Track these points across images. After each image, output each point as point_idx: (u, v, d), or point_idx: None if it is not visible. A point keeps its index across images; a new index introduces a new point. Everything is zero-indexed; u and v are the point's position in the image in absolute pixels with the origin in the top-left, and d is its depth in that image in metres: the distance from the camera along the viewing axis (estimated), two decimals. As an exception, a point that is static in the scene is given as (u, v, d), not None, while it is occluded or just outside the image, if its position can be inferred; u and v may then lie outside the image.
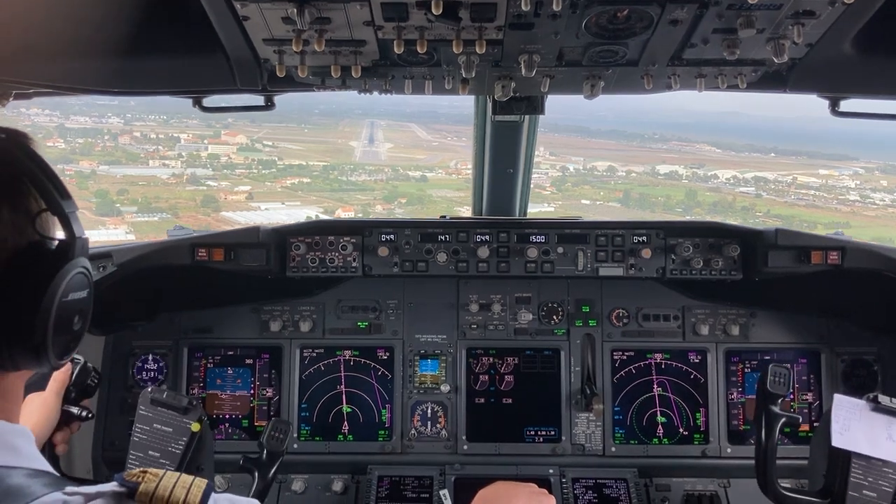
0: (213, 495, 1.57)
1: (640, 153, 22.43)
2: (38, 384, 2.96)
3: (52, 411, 3.00)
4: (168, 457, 3.40)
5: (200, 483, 1.56)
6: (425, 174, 20.68)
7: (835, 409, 3.31)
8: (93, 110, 19.28)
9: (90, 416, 3.18)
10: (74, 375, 3.14)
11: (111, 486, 1.51)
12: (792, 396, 4.53)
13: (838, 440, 3.23)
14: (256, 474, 3.58)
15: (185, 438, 3.43)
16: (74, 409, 3.13)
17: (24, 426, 1.68)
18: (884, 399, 3.28)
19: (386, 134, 23.05)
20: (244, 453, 3.82)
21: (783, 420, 3.41)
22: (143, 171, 19.26)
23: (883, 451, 3.21)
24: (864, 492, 3.17)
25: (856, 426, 3.25)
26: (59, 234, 1.69)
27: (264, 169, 20.83)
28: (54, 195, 1.66)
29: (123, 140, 19.86)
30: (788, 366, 3.49)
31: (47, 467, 1.62)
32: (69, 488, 1.49)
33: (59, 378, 3.06)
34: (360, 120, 22.69)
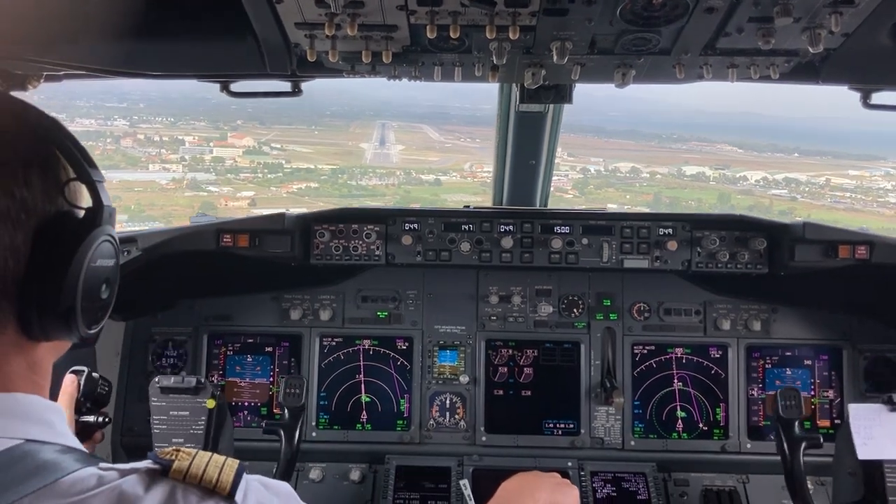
0: (245, 475, 1.57)
1: (661, 154, 21.94)
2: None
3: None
4: (192, 439, 3.43)
5: (233, 463, 1.56)
6: (439, 178, 20.01)
7: (853, 421, 3.26)
8: (99, 112, 18.97)
9: (108, 420, 3.17)
10: (82, 386, 3.11)
11: (145, 464, 1.52)
12: (813, 393, 4.50)
13: (864, 452, 3.18)
14: (282, 435, 3.61)
15: (203, 418, 3.47)
16: (90, 418, 3.12)
17: (56, 403, 1.68)
18: None
19: (397, 135, 22.58)
20: (262, 440, 3.85)
21: (805, 443, 3.39)
22: (142, 175, 18.72)
23: None
24: None
25: (878, 433, 3.21)
26: (87, 203, 1.69)
27: (270, 173, 20.20)
28: (83, 164, 1.67)
29: (126, 143, 19.43)
30: (797, 386, 3.48)
31: (79, 445, 1.63)
32: (103, 464, 1.50)
33: (67, 391, 3.04)
34: (372, 121, 22.22)
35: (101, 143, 18.62)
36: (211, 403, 3.50)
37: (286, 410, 3.72)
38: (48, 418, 1.60)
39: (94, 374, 3.19)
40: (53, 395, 2.91)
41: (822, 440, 3.40)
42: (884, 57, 2.63)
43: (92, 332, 1.71)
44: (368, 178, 20.44)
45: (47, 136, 1.65)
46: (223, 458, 1.57)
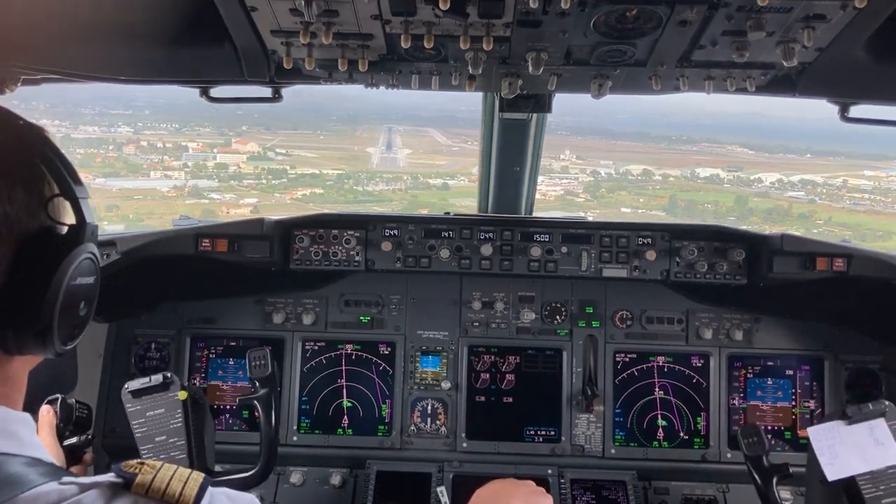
0: (210, 489, 1.57)
1: (671, 155, 21.66)
2: None
3: (53, 453, 2.99)
4: (174, 434, 3.42)
5: (197, 476, 1.56)
6: (447, 182, 19.57)
7: (815, 443, 3.25)
8: (104, 119, 18.74)
9: (92, 438, 3.18)
10: (59, 413, 3.10)
11: (107, 477, 1.51)
12: (794, 403, 4.51)
13: (832, 472, 3.17)
14: (259, 406, 3.58)
15: (179, 410, 3.45)
16: (74, 440, 3.12)
17: (26, 413, 1.68)
18: (851, 409, 3.25)
19: (404, 139, 22.32)
20: (244, 443, 3.83)
21: (776, 477, 3.40)
22: (143, 183, 18.35)
23: (878, 459, 3.17)
24: (884, 501, 3.12)
25: (842, 450, 3.20)
26: (70, 219, 1.69)
27: (274, 179, 19.82)
28: (68, 180, 1.66)
29: (128, 150, 19.09)
30: (755, 423, 3.49)
31: (47, 457, 1.62)
32: (65, 478, 1.49)
33: (45, 421, 3.03)
34: (378, 125, 21.99)
35: (103, 151, 18.53)
36: (183, 395, 3.48)
37: (256, 383, 3.66)
38: (15, 430, 1.60)
39: (70, 401, 3.19)
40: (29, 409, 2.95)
41: (790, 469, 3.40)
42: (859, 71, 2.64)
43: (67, 348, 1.71)
44: (375, 184, 20.17)
45: (33, 151, 1.65)
46: (188, 471, 1.57)
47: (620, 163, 20.19)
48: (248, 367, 3.64)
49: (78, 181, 1.69)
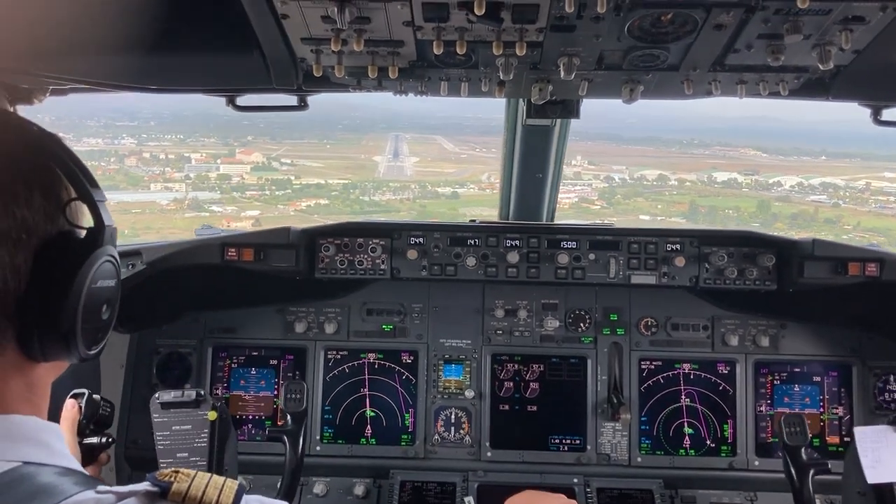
0: (245, 496, 1.55)
1: (684, 160, 21.21)
2: None
3: (71, 451, 2.97)
4: (197, 453, 3.41)
5: (232, 484, 1.54)
6: (456, 190, 18.81)
7: (859, 444, 3.21)
8: (108, 131, 18.44)
9: (112, 440, 3.14)
10: (83, 409, 3.06)
11: (143, 486, 1.50)
12: (822, 410, 4.46)
13: (873, 476, 3.13)
14: (287, 441, 3.59)
15: (206, 430, 3.44)
16: (94, 440, 3.07)
17: (54, 423, 1.67)
18: None
19: (411, 147, 21.82)
20: (266, 454, 3.82)
21: (812, 470, 3.34)
22: (143, 196, 17.84)
23: None
24: None
25: (886, 455, 3.16)
26: (88, 223, 1.68)
27: (278, 190, 19.15)
28: (84, 184, 1.66)
29: (130, 162, 18.64)
30: (806, 402, 3.43)
31: (78, 466, 1.62)
32: (101, 487, 1.48)
33: (68, 416, 3.01)
34: (385, 134, 21.55)
35: (105, 163, 18.09)
36: (213, 415, 3.48)
37: (288, 416, 3.70)
38: (46, 439, 1.59)
39: (95, 396, 3.15)
40: (55, 416, 2.92)
41: (829, 465, 3.35)
42: (894, 74, 2.60)
43: (92, 353, 1.70)
44: (382, 193, 19.55)
45: (49, 156, 1.64)
46: (222, 479, 1.55)
47: (634, 168, 19.71)
48: (283, 398, 3.68)
49: (94, 184, 1.69)
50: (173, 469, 1.54)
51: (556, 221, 5.02)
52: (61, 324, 1.57)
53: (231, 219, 17.17)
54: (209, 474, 1.55)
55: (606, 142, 20.27)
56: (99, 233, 1.67)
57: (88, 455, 3.05)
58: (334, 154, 21.58)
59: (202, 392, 3.50)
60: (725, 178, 19.33)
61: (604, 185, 18.35)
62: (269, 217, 17.39)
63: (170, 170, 18.98)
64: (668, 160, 20.74)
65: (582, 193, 17.41)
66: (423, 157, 22.18)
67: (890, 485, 3.11)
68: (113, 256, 1.73)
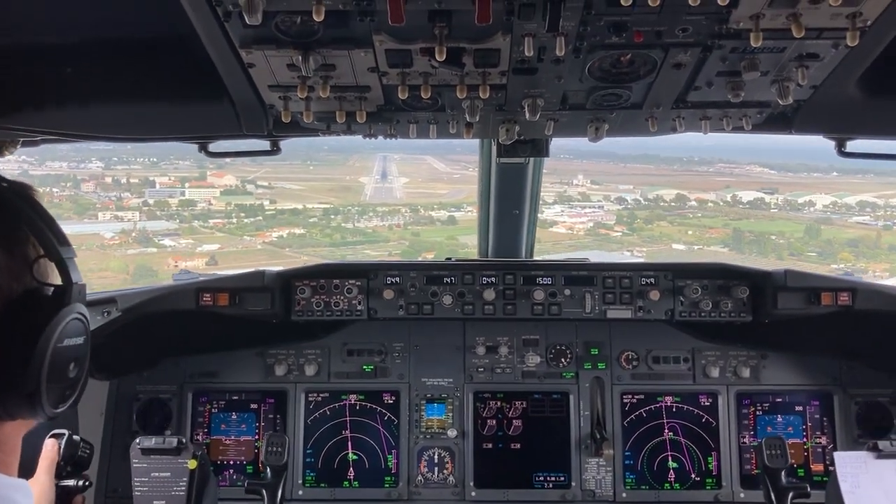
0: None
1: (691, 178, 20.23)
2: (25, 469, 2.93)
3: (46, 492, 2.92)
4: (174, 501, 3.38)
5: None
6: (453, 214, 17.24)
7: (839, 469, 3.23)
8: (77, 154, 16.98)
9: (89, 483, 3.11)
10: (62, 450, 3.05)
11: None
12: (805, 439, 4.46)
13: (852, 500, 3.14)
14: (265, 494, 3.56)
15: (184, 479, 3.42)
16: (70, 482, 3.05)
17: (22, 480, 1.65)
18: (884, 445, 3.22)
19: (400, 168, 20.68)
20: (247, 500, 3.79)
21: (791, 494, 3.34)
22: (86, 227, 16.17)
23: None
24: None
25: (865, 481, 3.17)
26: (56, 280, 1.67)
27: (247, 217, 17.23)
28: (52, 242, 1.65)
29: (87, 187, 17.20)
30: (789, 432, 3.45)
31: None
32: None
33: (48, 457, 2.99)
34: (372, 154, 20.38)
35: (58, 189, 16.61)
36: (192, 464, 3.45)
37: (268, 469, 3.67)
38: (10, 496, 1.57)
39: (75, 437, 3.13)
40: (33, 460, 2.88)
41: (808, 489, 3.35)
42: (853, 107, 2.66)
43: (58, 410, 1.68)
44: (368, 219, 17.96)
45: (15, 212, 1.64)
46: None
47: (646, 188, 18.68)
48: (264, 450, 3.65)
49: (64, 241, 1.68)
50: None
51: (536, 257, 5.04)
52: (26, 384, 1.55)
53: (181, 256, 15.17)
54: None
55: (604, 160, 19.65)
56: (66, 290, 1.66)
57: (64, 498, 3.02)
58: (317, 176, 20.32)
59: (184, 440, 3.47)
60: (751, 197, 17.98)
61: (617, 207, 17.22)
62: (231, 253, 15.84)
63: (129, 195, 17.44)
64: (676, 179, 20.00)
65: (596, 217, 16.25)
66: (413, 177, 21.12)
67: None
68: (82, 314, 1.71)
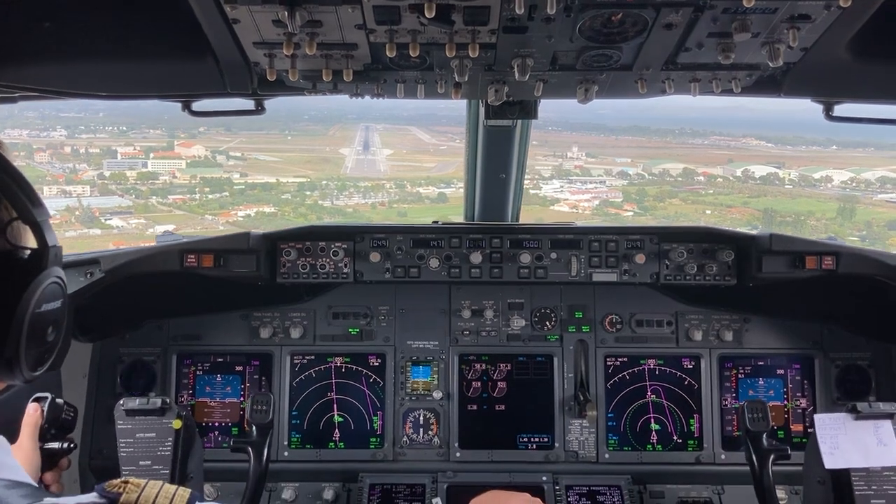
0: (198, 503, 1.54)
1: (689, 151, 19.31)
2: (8, 432, 2.92)
3: (30, 456, 2.89)
4: (160, 461, 3.38)
5: (184, 493, 1.53)
6: (443, 191, 15.73)
7: (819, 431, 3.28)
8: (42, 122, 16.03)
9: (73, 446, 3.09)
10: (45, 413, 3.02)
11: (91, 497, 1.48)
12: (786, 402, 4.52)
13: (830, 461, 3.19)
14: (251, 452, 3.57)
15: (170, 439, 3.42)
16: (55, 445, 3.03)
17: (0, 437, 1.64)
18: (862, 406, 3.28)
19: (383, 138, 19.59)
20: (232, 461, 3.80)
21: (773, 456, 3.39)
22: None
23: (877, 458, 3.19)
24: (872, 501, 3.14)
25: (844, 442, 3.22)
26: (32, 243, 1.64)
27: (212, 192, 15.37)
28: (25, 203, 1.62)
29: (41, 157, 15.90)
30: (770, 395, 3.49)
31: (26, 478, 1.59)
32: (47, 499, 1.46)
33: (30, 421, 2.96)
34: (354, 125, 19.32)
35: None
36: (177, 424, 3.45)
37: (254, 428, 3.67)
38: None
39: (58, 401, 3.10)
40: (16, 422, 2.87)
41: (789, 451, 3.40)
42: (842, 70, 2.65)
43: (36, 374, 1.67)
44: (348, 195, 16.39)
45: None
46: (174, 487, 1.54)
47: (647, 161, 17.59)
48: (249, 409, 3.65)
49: (37, 203, 1.65)
50: (122, 479, 1.52)
51: (522, 221, 5.04)
52: (5, 349, 1.54)
53: (126, 241, 12.99)
54: (160, 483, 1.53)
55: (594, 133, 18.86)
56: (43, 254, 1.64)
57: (49, 460, 3.00)
58: (295, 146, 18.92)
59: (167, 400, 3.47)
60: (764, 172, 16.76)
61: (622, 182, 16.11)
62: (187, 233, 14.07)
63: (85, 167, 15.94)
64: (673, 151, 19.09)
65: (599, 193, 15.12)
66: (398, 148, 20.01)
67: (847, 471, 3.17)
68: (59, 278, 1.69)
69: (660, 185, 16.48)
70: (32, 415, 2.99)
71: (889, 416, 3.25)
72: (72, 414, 3.18)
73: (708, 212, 15.28)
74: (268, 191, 16.06)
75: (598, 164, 17.19)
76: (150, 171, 15.94)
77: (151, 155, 16.24)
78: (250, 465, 3.61)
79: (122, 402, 3.49)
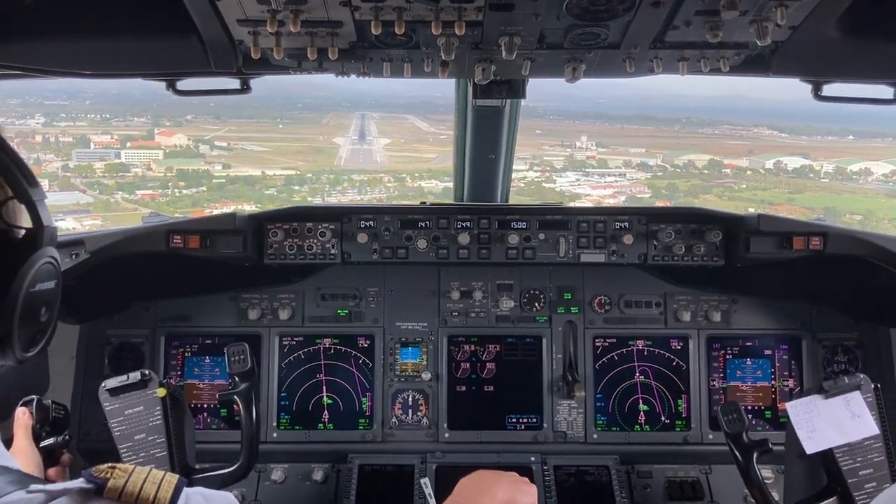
0: (185, 490, 1.53)
1: (702, 141, 18.45)
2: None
3: (29, 456, 2.93)
4: (154, 431, 3.38)
5: (171, 478, 1.52)
6: (447, 185, 13.43)
7: (793, 418, 3.28)
8: (24, 110, 14.87)
9: (68, 438, 3.13)
10: (34, 414, 3.06)
11: (78, 483, 1.47)
12: (773, 382, 4.54)
13: (811, 446, 3.21)
14: (239, 402, 3.54)
15: (158, 408, 3.41)
16: (50, 441, 3.08)
17: None
18: (827, 384, 3.28)
19: (380, 127, 18.78)
20: (224, 442, 3.78)
21: (756, 452, 3.41)
22: None
23: (853, 431, 3.21)
24: (861, 472, 3.17)
25: (819, 423, 3.24)
26: (27, 223, 1.63)
27: (187, 187, 14.07)
28: (21, 182, 1.61)
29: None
30: (734, 401, 3.57)
31: (13, 464, 1.58)
32: (33, 486, 1.45)
33: (21, 423, 3.00)
34: (349, 113, 18.59)
35: None
36: (161, 392, 3.44)
37: (236, 378, 3.62)
38: None
39: (45, 402, 3.15)
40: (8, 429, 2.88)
41: (770, 445, 3.42)
42: (832, 49, 2.64)
43: (29, 355, 1.66)
44: (342, 191, 15.16)
45: None
46: (161, 473, 1.53)
47: (667, 152, 16.77)
48: (227, 361, 3.60)
49: (34, 183, 1.64)
50: (109, 465, 1.51)
51: (511, 202, 5.03)
52: None
53: None
54: (148, 468, 1.53)
55: (599, 122, 18.36)
56: (38, 234, 1.63)
57: (49, 457, 3.05)
58: (287, 135, 17.91)
59: (146, 371, 3.43)
60: (797, 165, 15.70)
61: (644, 175, 15.27)
62: None
63: (52, 157, 14.80)
64: (686, 141, 18.33)
65: (622, 187, 14.10)
66: (395, 138, 19.17)
67: (830, 451, 3.19)
68: (53, 258, 1.69)
69: (687, 177, 15.66)
70: (21, 417, 3.03)
71: (857, 387, 3.27)
72: (62, 412, 3.22)
73: (751, 209, 14.51)
74: (251, 185, 14.89)
75: (611, 154, 16.65)
76: (121, 162, 14.82)
77: (128, 144, 15.19)
78: (241, 416, 3.56)
79: (103, 384, 3.48)
